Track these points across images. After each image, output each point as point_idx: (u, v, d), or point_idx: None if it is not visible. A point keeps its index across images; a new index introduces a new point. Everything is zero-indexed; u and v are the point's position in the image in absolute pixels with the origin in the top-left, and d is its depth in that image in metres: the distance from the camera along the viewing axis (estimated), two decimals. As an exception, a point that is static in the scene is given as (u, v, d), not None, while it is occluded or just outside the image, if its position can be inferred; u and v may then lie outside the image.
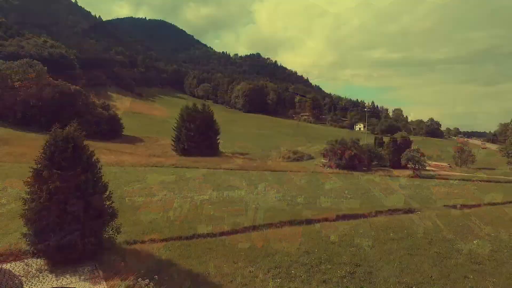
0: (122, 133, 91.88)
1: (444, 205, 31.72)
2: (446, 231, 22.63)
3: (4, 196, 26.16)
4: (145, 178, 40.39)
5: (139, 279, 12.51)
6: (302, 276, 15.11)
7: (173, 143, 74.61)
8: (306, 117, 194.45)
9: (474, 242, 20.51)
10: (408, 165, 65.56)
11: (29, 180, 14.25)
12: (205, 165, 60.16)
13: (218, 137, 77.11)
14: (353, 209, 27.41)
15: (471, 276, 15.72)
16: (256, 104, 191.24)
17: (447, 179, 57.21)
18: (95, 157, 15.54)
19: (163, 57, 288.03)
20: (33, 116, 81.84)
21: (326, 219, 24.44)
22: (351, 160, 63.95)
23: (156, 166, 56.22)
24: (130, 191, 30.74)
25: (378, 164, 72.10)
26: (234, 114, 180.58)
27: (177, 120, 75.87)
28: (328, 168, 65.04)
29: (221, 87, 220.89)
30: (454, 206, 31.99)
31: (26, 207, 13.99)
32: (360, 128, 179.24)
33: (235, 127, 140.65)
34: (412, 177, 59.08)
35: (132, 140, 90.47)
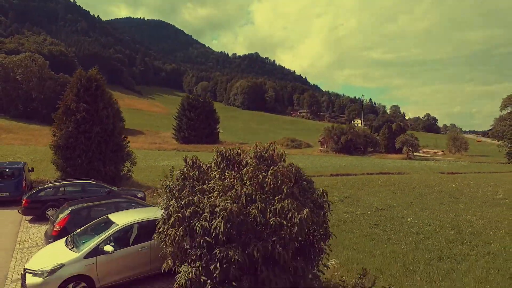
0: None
1: (433, 172, 33.79)
2: (429, 182, 24.71)
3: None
4: (149, 155, 42.45)
5: (157, 189, 14.46)
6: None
7: (174, 131, 76.41)
8: (304, 114, 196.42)
9: (453, 185, 22.61)
10: (402, 150, 67.89)
11: (58, 115, 16.20)
12: (206, 150, 62.37)
13: (218, 126, 79.07)
14: (346, 171, 29.47)
15: (446, 202, 17.80)
16: (255, 101, 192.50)
17: (439, 161, 59.50)
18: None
19: (161, 56, 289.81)
20: (35, 109, 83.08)
21: (320, 175, 26.48)
22: (347, 144, 66.16)
23: (158, 150, 58.43)
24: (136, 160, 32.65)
25: (373, 151, 74.38)
26: (233, 111, 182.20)
27: (178, 110, 77.75)
28: (326, 153, 67.26)
29: (220, 85, 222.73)
30: (442, 172, 34.13)
31: (55, 138, 15.92)
32: (358, 124, 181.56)
33: (234, 122, 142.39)
34: (406, 159, 61.33)
35: (133, 132, 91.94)
